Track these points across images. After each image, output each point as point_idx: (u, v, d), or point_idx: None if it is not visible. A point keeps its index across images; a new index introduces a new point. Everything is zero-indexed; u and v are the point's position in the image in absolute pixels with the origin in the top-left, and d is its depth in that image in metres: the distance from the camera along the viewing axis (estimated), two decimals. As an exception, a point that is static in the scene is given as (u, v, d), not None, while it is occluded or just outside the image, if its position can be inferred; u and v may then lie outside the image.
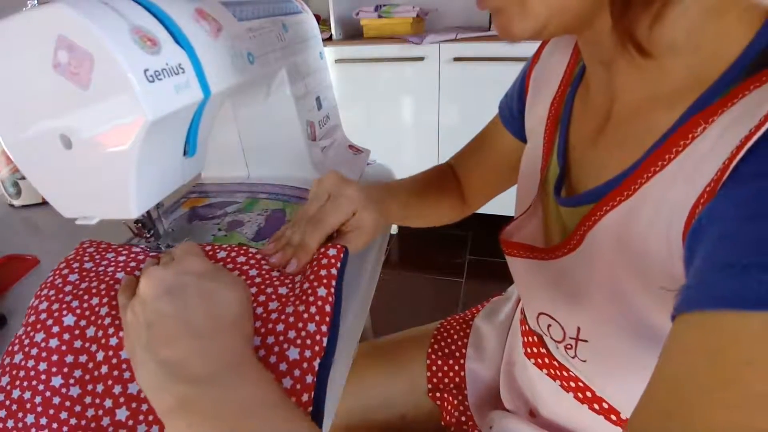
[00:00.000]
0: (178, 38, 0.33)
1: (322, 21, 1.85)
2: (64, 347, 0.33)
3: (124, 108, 0.30)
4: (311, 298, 0.34)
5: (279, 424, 0.26)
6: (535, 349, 0.48)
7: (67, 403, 0.31)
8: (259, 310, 0.34)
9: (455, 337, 0.63)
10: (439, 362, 0.61)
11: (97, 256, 0.40)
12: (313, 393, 0.31)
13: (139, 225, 0.43)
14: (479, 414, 0.57)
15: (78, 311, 0.34)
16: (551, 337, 0.43)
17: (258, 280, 0.36)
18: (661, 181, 0.29)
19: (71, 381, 0.32)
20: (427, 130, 1.77)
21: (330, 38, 1.78)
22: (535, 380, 0.48)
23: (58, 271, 0.37)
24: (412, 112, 1.77)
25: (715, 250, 0.24)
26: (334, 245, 0.38)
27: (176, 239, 0.46)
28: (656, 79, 0.31)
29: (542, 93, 0.46)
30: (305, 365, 0.31)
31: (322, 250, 0.37)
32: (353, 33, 1.87)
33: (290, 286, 0.36)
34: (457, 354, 0.61)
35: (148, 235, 0.44)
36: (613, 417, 0.41)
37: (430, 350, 0.62)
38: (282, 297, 0.35)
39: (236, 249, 0.39)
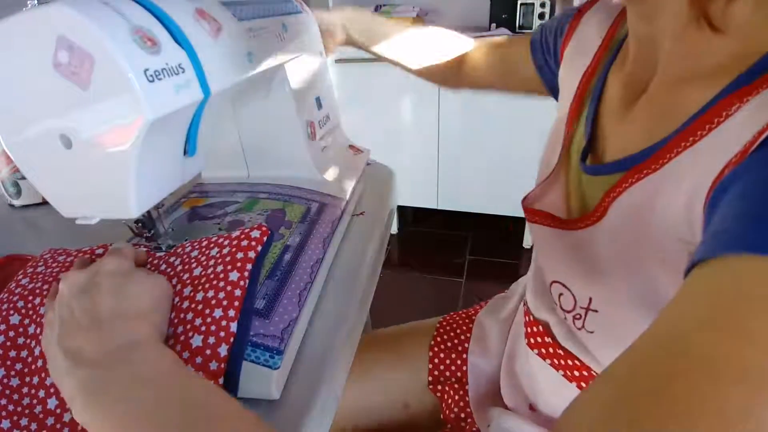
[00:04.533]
0: (178, 38, 0.33)
1: (322, 21, 1.85)
2: (8, 343, 0.36)
3: (124, 108, 0.30)
4: (221, 284, 0.33)
5: (175, 389, 0.27)
6: (539, 339, 0.48)
7: (7, 392, 0.34)
8: (176, 299, 0.35)
9: (458, 331, 0.64)
10: (441, 355, 0.62)
11: (50, 260, 0.42)
12: (221, 379, 0.31)
13: (139, 225, 0.43)
14: (479, 410, 0.57)
15: (23, 311, 0.38)
16: (561, 307, 0.43)
17: (179, 268, 0.37)
18: (689, 156, 0.30)
19: (12, 373, 0.35)
20: (427, 130, 1.77)
21: (330, 38, 1.78)
22: (537, 372, 0.49)
23: (15, 278, 0.40)
24: (412, 112, 1.77)
25: (734, 206, 0.24)
26: (260, 226, 0.37)
27: (176, 239, 0.46)
28: (702, 56, 0.32)
29: (574, 67, 0.47)
30: (208, 352, 0.31)
31: (246, 230, 0.37)
32: (353, 33, 1.87)
33: (204, 264, 0.36)
34: (460, 348, 0.62)
35: (149, 235, 0.44)
36: None
37: (432, 342, 0.62)
38: (195, 279, 0.35)
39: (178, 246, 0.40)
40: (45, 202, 0.67)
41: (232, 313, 0.32)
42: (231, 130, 0.57)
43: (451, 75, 0.70)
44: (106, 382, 0.28)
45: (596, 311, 0.39)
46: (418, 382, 0.61)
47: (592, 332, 0.40)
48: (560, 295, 0.43)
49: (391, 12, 1.73)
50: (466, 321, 0.65)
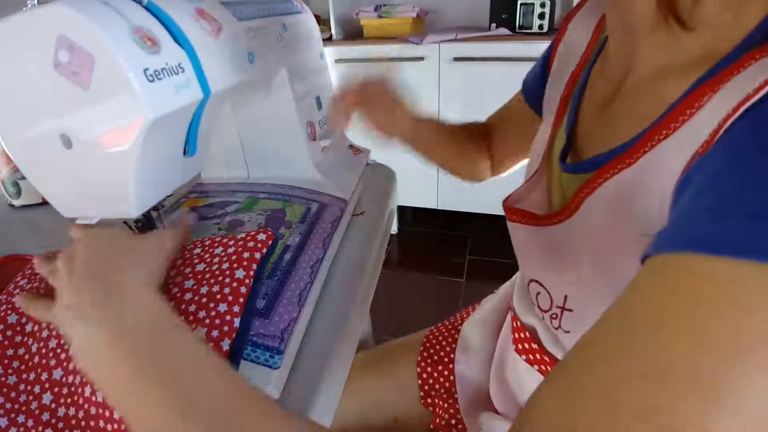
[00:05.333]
0: (178, 38, 0.33)
1: (322, 21, 1.85)
2: (6, 342, 0.37)
3: (125, 108, 0.30)
4: (227, 279, 0.34)
5: (174, 340, 0.29)
6: (526, 345, 0.48)
7: (5, 389, 0.35)
8: (176, 290, 0.35)
9: (443, 343, 0.64)
10: (429, 369, 0.62)
11: None
12: None
13: (139, 225, 0.43)
14: (469, 416, 0.57)
15: (20, 310, 0.38)
16: (538, 306, 0.44)
17: (179, 262, 0.37)
18: (663, 149, 0.30)
19: (9, 371, 0.36)
20: (427, 130, 1.77)
21: (330, 38, 1.78)
22: (526, 378, 0.49)
23: (14, 279, 0.41)
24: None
25: (696, 197, 0.24)
26: (265, 231, 0.38)
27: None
28: (673, 52, 0.32)
29: (563, 72, 0.47)
30: (210, 345, 0.32)
31: (252, 233, 0.38)
32: (353, 33, 1.87)
33: (208, 261, 0.36)
34: (446, 359, 0.62)
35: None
36: None
37: (419, 358, 0.63)
38: (198, 274, 0.36)
39: None
40: (45, 202, 0.67)
41: (236, 308, 0.33)
42: (231, 130, 0.57)
43: (487, 155, 0.66)
44: (99, 330, 0.29)
45: (571, 310, 0.39)
46: (408, 399, 0.62)
47: (568, 332, 0.40)
48: (537, 294, 0.43)
49: (391, 12, 1.73)
50: (451, 332, 0.66)
